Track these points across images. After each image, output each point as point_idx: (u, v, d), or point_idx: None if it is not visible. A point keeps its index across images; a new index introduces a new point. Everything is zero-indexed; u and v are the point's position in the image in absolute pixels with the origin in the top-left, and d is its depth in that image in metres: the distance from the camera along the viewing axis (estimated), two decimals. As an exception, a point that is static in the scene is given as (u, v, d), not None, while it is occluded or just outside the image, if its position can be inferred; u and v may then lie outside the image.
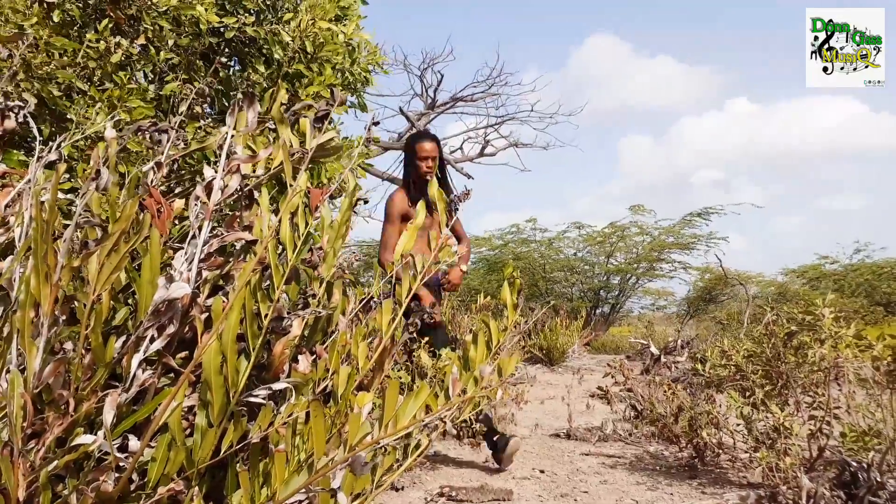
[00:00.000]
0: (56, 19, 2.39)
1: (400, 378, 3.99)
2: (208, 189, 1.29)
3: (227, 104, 2.87)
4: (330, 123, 1.52)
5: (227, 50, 2.86)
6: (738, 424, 3.05)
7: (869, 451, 2.61)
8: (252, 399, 1.30)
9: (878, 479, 2.44)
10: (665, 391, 3.72)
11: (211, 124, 2.66)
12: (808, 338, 2.83)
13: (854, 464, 2.52)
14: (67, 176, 2.30)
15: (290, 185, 1.24)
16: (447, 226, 3.76)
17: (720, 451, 3.30)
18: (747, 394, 3.05)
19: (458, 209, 3.70)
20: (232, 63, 2.96)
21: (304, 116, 1.34)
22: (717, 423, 3.17)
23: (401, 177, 4.18)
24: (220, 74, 2.81)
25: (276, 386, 1.29)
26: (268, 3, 2.80)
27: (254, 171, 1.38)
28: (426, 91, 11.54)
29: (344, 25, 2.94)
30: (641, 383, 4.24)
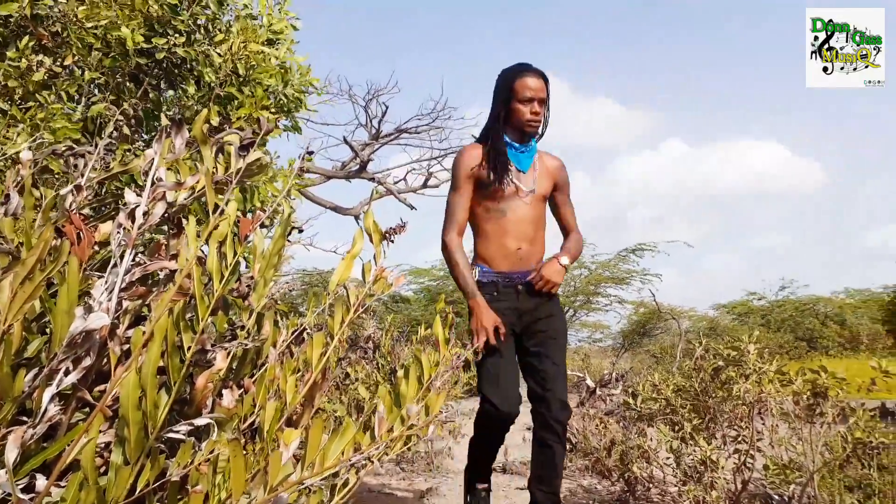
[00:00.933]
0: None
1: (335, 411, 3.91)
2: (131, 215, 1.25)
3: (157, 126, 2.80)
4: (264, 151, 1.49)
5: (157, 71, 2.79)
6: (668, 458, 3.10)
7: (790, 485, 2.70)
8: (172, 435, 1.24)
9: (799, 512, 2.52)
10: (598, 425, 3.76)
11: (141, 147, 2.58)
12: (733, 373, 2.91)
13: (776, 497, 2.60)
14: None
15: (212, 213, 1.21)
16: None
17: (651, 485, 3.34)
18: (676, 428, 3.11)
19: (400, 234, 3.33)
20: (162, 84, 2.89)
21: (231, 144, 1.32)
22: (647, 457, 3.21)
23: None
24: (151, 96, 2.75)
25: (198, 421, 1.24)
26: (199, 24, 2.76)
27: (177, 196, 1.34)
28: (370, 122, 11.57)
29: (276, 49, 2.92)
30: (576, 416, 4.28)
